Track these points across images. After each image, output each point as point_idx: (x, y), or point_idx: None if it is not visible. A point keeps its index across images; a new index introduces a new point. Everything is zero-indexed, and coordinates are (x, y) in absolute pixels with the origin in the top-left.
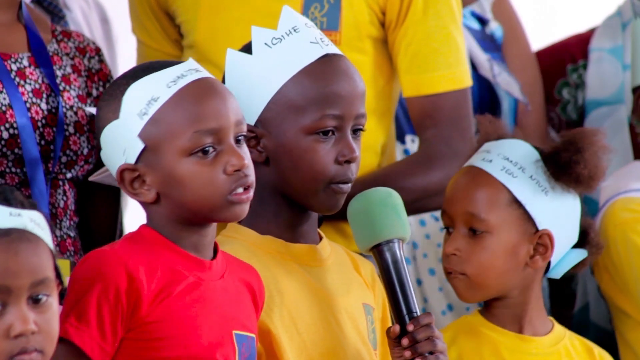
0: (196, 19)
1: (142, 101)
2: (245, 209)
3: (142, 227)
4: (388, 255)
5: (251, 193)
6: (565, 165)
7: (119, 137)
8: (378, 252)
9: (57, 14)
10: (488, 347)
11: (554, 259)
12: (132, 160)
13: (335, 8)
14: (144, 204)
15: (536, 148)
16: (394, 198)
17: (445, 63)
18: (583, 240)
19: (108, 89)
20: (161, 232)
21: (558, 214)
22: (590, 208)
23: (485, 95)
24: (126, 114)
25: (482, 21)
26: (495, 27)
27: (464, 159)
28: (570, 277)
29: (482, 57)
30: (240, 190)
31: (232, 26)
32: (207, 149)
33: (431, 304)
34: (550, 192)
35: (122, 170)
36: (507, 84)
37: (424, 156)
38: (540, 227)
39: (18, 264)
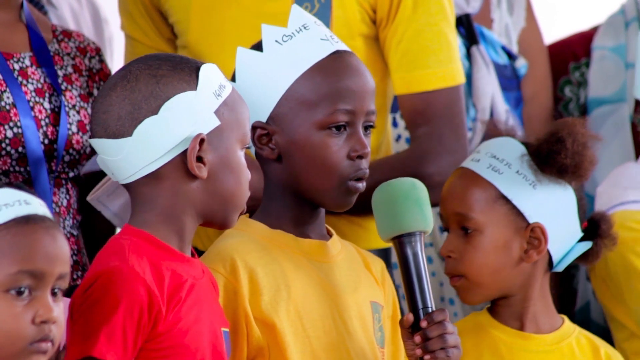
0: (188, 20)
1: (215, 83)
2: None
3: (132, 229)
4: (408, 248)
5: None
6: (547, 156)
7: (195, 108)
8: (399, 244)
9: (38, 10)
10: (487, 345)
11: (555, 253)
12: (204, 132)
13: (325, 7)
14: (178, 184)
15: (523, 143)
16: (419, 190)
17: (436, 60)
18: (594, 233)
19: (167, 62)
20: (159, 226)
21: (548, 206)
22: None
23: None
24: (203, 89)
25: (511, 56)
26: (521, 65)
27: (456, 155)
28: (571, 275)
29: (502, 108)
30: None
31: (223, 27)
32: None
33: None
34: (539, 186)
35: (202, 139)
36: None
37: (417, 152)
38: (530, 221)
39: (56, 250)
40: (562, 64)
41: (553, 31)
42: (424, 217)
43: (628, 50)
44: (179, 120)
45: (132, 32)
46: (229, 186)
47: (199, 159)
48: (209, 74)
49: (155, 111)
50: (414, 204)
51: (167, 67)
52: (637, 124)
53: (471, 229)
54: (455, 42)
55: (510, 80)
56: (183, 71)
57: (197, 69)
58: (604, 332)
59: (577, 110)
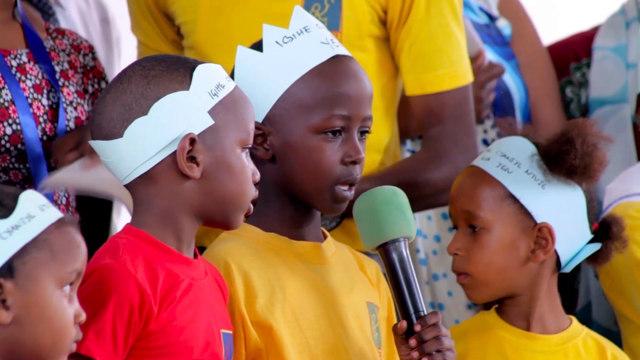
0: (196, 21)
1: (212, 82)
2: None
3: (130, 228)
4: (394, 255)
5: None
6: (557, 157)
7: (186, 108)
8: (384, 252)
9: (46, 11)
10: (492, 344)
11: (563, 253)
12: (196, 131)
13: (335, 8)
14: (173, 184)
15: (534, 143)
16: (399, 197)
17: (448, 61)
18: (605, 235)
19: (162, 63)
20: (157, 227)
21: (557, 206)
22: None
23: (496, 91)
24: (197, 88)
25: (491, 17)
26: (503, 25)
27: (468, 154)
28: (572, 275)
29: (489, 56)
30: None
31: (231, 27)
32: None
33: (455, 298)
34: (548, 186)
35: (191, 139)
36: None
37: (433, 153)
38: (538, 221)
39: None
40: (563, 64)
41: (555, 32)
42: (407, 223)
43: (629, 50)
44: (170, 120)
45: (137, 33)
46: (226, 186)
47: (192, 159)
48: (206, 73)
49: (145, 112)
50: (395, 210)
51: (161, 68)
52: (638, 124)
53: (478, 227)
54: (464, 40)
55: (496, 37)
56: (177, 71)
57: (193, 69)
58: (606, 333)
59: (579, 110)
